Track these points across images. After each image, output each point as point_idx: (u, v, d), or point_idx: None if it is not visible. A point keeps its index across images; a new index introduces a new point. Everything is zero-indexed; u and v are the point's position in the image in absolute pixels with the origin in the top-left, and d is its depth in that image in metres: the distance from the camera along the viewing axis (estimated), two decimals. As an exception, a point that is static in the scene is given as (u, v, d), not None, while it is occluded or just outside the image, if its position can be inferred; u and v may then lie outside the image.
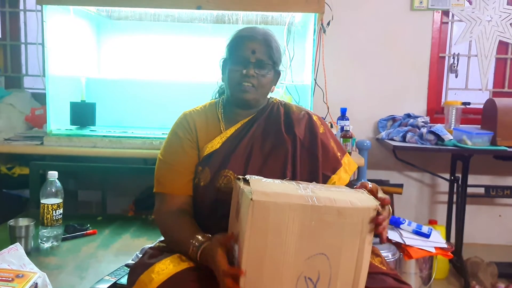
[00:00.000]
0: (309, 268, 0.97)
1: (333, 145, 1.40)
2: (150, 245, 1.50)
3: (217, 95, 1.52)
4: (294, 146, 1.33)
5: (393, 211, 2.92)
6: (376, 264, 1.25)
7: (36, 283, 1.19)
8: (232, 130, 1.35)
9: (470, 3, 2.94)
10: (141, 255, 1.48)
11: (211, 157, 1.31)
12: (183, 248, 1.17)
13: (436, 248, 2.26)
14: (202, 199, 1.30)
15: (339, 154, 1.40)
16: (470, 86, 3.07)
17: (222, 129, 1.36)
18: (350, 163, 1.43)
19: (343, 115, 2.59)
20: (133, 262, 1.47)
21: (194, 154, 1.33)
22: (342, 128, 2.47)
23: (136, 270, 1.18)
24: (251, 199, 0.93)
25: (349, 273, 0.99)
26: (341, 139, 2.37)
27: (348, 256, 0.99)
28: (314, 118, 1.42)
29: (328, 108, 2.79)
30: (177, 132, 1.36)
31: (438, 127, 2.60)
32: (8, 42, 3.13)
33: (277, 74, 1.39)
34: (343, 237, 0.98)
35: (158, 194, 1.34)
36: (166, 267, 1.12)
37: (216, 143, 1.33)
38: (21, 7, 3.12)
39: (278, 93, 2.49)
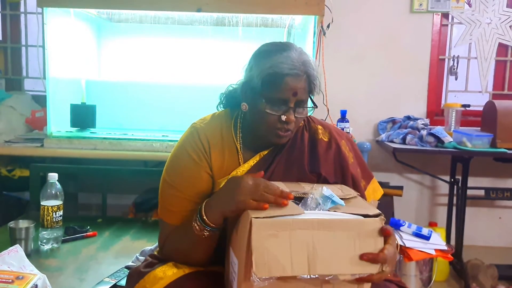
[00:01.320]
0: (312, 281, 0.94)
1: (359, 174, 1.25)
2: (150, 247, 1.50)
3: (224, 100, 1.28)
4: None
5: (393, 213, 2.92)
6: None
7: (36, 285, 1.19)
8: (250, 163, 1.18)
9: (470, 5, 2.95)
10: (141, 257, 1.48)
11: None
12: (190, 235, 1.04)
13: (436, 250, 2.25)
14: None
15: (363, 183, 1.26)
16: (470, 88, 3.07)
17: (240, 161, 1.18)
18: (375, 190, 1.29)
19: (343, 117, 2.59)
20: (133, 264, 1.47)
21: (210, 182, 1.16)
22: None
23: (133, 277, 1.16)
24: (250, 220, 0.91)
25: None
26: (341, 141, 2.37)
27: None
28: (343, 146, 1.23)
29: (328, 110, 2.79)
30: (189, 153, 1.15)
31: (438, 129, 2.60)
32: (8, 44, 3.14)
33: None
34: None
35: (165, 223, 1.17)
36: (164, 275, 1.09)
37: None
38: (22, 9, 3.13)
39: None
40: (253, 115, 1.15)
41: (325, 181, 1.17)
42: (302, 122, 1.24)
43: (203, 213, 1.02)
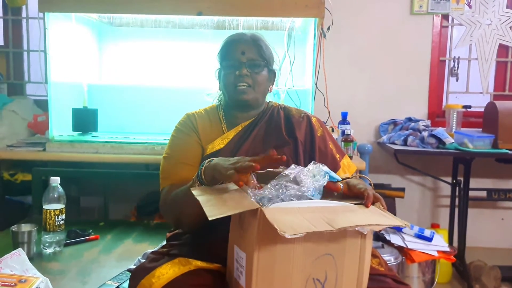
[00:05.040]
0: (317, 269, 0.98)
1: (332, 147, 1.43)
2: (152, 250, 1.50)
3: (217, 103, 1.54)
4: (296, 148, 1.36)
5: (395, 215, 2.91)
6: (374, 265, 1.24)
7: (39, 288, 1.20)
8: (234, 132, 1.37)
9: (470, 6, 2.95)
10: (143, 260, 1.49)
11: (213, 157, 1.31)
12: (187, 195, 1.12)
13: (438, 251, 2.26)
14: None
15: (338, 156, 1.43)
16: (471, 90, 3.07)
17: (224, 130, 1.38)
18: (350, 165, 1.46)
19: (344, 119, 2.59)
20: (135, 267, 1.47)
21: (199, 148, 1.35)
22: (343, 132, 2.47)
23: (137, 274, 1.18)
24: (260, 209, 0.93)
25: (353, 271, 1.00)
26: (342, 143, 2.38)
27: (351, 253, 1.00)
28: (313, 120, 1.44)
29: (329, 112, 2.80)
30: (180, 129, 1.39)
31: (439, 131, 2.60)
32: (10, 49, 3.15)
33: (272, 73, 1.42)
34: (346, 237, 0.99)
35: (165, 188, 1.31)
36: (167, 272, 1.13)
37: (217, 144, 1.35)
38: (24, 14, 3.15)
39: (279, 98, 2.50)
40: (222, 86, 1.39)
41: (300, 143, 1.37)
42: (276, 103, 1.47)
43: (202, 170, 1.13)
